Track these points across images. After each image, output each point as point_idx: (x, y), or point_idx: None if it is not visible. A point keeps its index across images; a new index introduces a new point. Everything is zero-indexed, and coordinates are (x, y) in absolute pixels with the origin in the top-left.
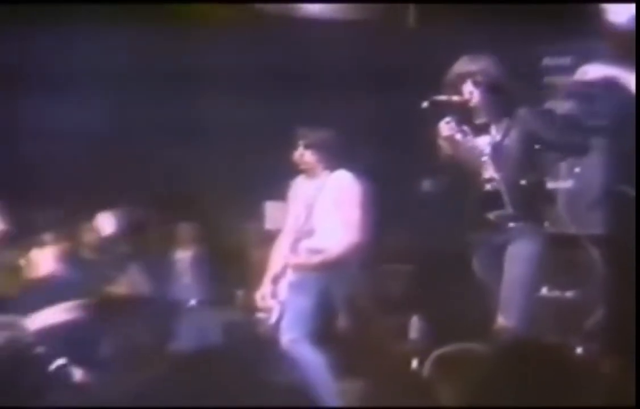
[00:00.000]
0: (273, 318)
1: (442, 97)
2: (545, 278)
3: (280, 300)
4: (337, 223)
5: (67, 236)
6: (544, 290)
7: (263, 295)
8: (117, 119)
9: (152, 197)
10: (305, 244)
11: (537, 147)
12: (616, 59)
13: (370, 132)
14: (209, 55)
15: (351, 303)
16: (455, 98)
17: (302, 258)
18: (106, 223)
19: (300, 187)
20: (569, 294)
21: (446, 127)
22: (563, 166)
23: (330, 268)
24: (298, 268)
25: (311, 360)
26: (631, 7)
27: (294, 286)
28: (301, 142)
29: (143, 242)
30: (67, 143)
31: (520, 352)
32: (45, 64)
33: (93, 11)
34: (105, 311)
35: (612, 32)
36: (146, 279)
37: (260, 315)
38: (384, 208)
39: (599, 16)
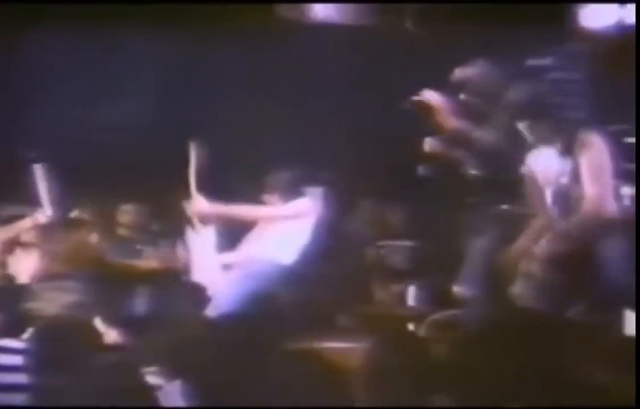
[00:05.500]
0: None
1: (417, 98)
2: None
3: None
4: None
5: (105, 216)
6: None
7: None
8: (147, 117)
9: (179, 183)
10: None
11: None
12: (592, 59)
13: (370, 126)
14: (221, 56)
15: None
16: (431, 98)
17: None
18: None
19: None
20: None
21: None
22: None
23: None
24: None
25: None
26: (607, 13)
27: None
28: (267, 188)
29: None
30: (106, 136)
31: (502, 315)
32: (94, 64)
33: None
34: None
35: (589, 36)
36: (178, 254)
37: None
38: (387, 192)
39: (577, 21)
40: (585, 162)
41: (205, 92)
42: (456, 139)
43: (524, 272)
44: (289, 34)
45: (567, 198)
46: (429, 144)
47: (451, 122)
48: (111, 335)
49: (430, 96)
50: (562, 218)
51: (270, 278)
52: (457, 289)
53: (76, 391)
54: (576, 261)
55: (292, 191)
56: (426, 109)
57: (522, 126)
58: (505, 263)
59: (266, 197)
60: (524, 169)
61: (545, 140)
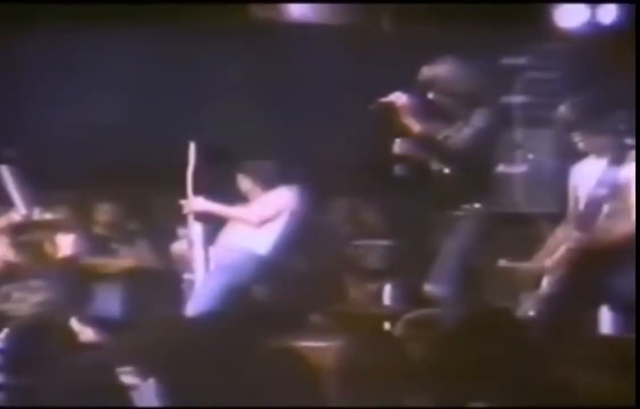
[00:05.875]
0: (194, 288)
1: (385, 100)
2: (503, 251)
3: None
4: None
5: (81, 215)
6: (503, 262)
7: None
8: (129, 114)
9: (159, 183)
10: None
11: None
12: (566, 58)
13: (346, 125)
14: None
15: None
16: (396, 100)
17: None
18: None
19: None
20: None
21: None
22: (518, 152)
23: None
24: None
25: None
26: (581, 13)
27: (219, 264)
28: (241, 171)
29: (151, 221)
30: (82, 135)
31: (477, 315)
32: (70, 60)
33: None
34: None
35: (563, 36)
36: (154, 253)
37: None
38: (363, 191)
39: (552, 21)
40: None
41: (181, 91)
42: (424, 141)
43: (536, 288)
44: (264, 33)
45: (599, 212)
46: (398, 146)
47: (417, 124)
48: (87, 334)
49: (397, 98)
50: (587, 231)
51: (246, 271)
52: (428, 288)
53: (50, 390)
54: (587, 272)
55: (270, 179)
56: (393, 111)
57: (575, 136)
58: (520, 280)
59: (243, 181)
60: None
61: (596, 151)
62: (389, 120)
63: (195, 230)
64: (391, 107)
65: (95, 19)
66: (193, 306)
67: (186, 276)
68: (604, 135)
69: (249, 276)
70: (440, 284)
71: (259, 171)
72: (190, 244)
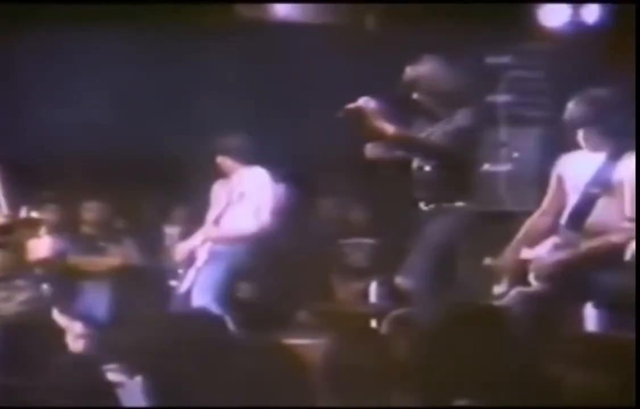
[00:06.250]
0: (185, 286)
1: (353, 106)
2: (487, 249)
3: (196, 268)
4: (245, 211)
5: (68, 214)
6: (487, 260)
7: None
8: (117, 113)
9: (146, 182)
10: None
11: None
12: (549, 57)
13: (332, 124)
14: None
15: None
16: (364, 105)
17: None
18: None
19: (220, 187)
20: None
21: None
22: (503, 151)
23: (241, 243)
24: (216, 240)
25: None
26: (564, 13)
27: (210, 257)
28: (220, 151)
29: (139, 220)
30: (70, 134)
31: (463, 312)
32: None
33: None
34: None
35: (546, 34)
36: (140, 251)
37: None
38: (349, 190)
39: (535, 20)
40: (629, 184)
41: (168, 91)
42: (400, 142)
43: (514, 275)
44: (251, 33)
45: (589, 212)
46: (369, 150)
47: (390, 127)
48: (76, 328)
49: (365, 102)
50: (575, 232)
51: (240, 257)
52: (399, 280)
53: (37, 389)
54: (575, 275)
55: (248, 153)
56: (362, 116)
57: (579, 133)
58: (497, 263)
59: (224, 163)
60: (555, 169)
61: (594, 146)
62: (359, 124)
63: (204, 250)
64: (360, 112)
65: (77, 19)
66: (193, 300)
67: (180, 271)
68: (605, 131)
69: (243, 261)
70: (410, 277)
71: (235, 146)
72: (192, 257)
